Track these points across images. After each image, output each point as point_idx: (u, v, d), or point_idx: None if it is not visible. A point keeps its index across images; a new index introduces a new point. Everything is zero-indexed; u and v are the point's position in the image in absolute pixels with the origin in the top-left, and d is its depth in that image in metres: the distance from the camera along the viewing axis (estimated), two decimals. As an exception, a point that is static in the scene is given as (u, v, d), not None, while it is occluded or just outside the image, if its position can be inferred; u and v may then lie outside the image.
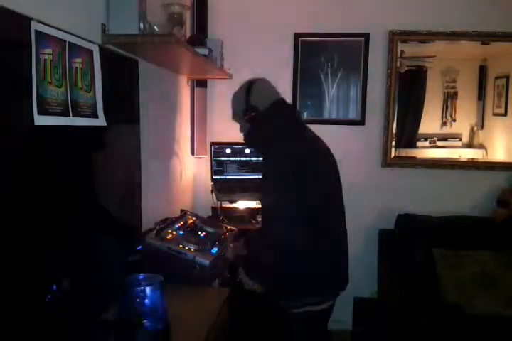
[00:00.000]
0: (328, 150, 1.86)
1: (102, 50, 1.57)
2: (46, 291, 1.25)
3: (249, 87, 1.82)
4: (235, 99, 1.86)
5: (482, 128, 3.02)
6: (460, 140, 3.05)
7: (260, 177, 1.75)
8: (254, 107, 1.78)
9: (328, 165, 1.84)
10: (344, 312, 2.76)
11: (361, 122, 3.03)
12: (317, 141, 1.84)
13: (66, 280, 1.32)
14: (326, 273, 1.73)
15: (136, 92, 1.98)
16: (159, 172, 2.43)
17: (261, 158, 1.90)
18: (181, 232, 1.91)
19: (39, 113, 1.21)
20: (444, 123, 3.04)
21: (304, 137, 1.81)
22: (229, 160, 3.01)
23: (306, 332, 1.77)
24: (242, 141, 1.90)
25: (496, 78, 2.97)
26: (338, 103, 3.05)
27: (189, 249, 1.77)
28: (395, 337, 2.30)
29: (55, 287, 1.27)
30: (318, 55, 3.01)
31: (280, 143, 1.73)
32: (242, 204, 2.85)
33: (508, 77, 2.94)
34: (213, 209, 2.87)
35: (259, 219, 2.74)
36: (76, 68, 1.41)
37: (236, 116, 1.88)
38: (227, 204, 2.85)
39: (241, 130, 1.88)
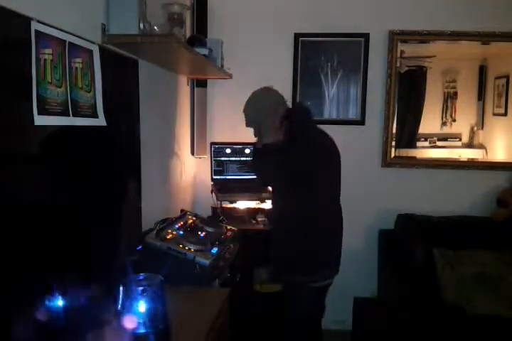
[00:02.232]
0: (333, 144, 2.12)
1: (102, 50, 1.57)
2: (46, 291, 1.25)
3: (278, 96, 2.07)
4: (269, 110, 2.03)
5: (482, 128, 3.02)
6: (460, 140, 3.04)
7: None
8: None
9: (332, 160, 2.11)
10: (344, 312, 2.77)
11: (361, 122, 3.03)
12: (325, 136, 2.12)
13: (66, 281, 1.32)
14: (336, 250, 2.07)
15: (136, 92, 1.98)
16: (159, 172, 2.43)
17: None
18: (181, 232, 1.91)
19: (39, 113, 1.21)
20: (444, 123, 3.04)
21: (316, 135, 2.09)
22: (229, 160, 3.01)
23: (316, 304, 2.07)
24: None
25: (496, 78, 2.97)
26: (338, 103, 3.05)
27: (189, 249, 1.77)
28: (395, 337, 2.30)
29: (54, 287, 1.27)
30: (318, 55, 3.01)
31: (305, 139, 2.01)
32: (242, 204, 2.85)
33: (508, 77, 2.94)
34: (213, 209, 2.87)
35: (259, 219, 2.75)
36: (76, 68, 1.41)
37: (265, 125, 2.06)
38: (227, 204, 2.85)
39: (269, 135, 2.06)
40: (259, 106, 2.05)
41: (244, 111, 2.08)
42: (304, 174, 1.94)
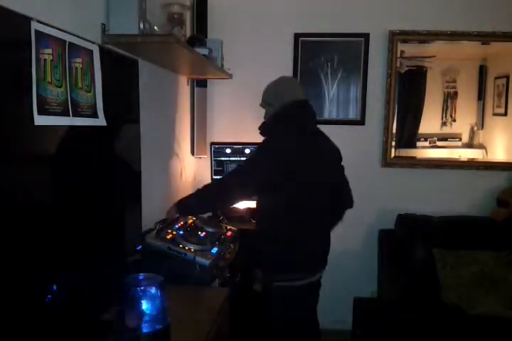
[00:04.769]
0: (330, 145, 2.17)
1: (102, 50, 1.57)
2: (46, 291, 1.25)
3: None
4: (299, 86, 2.12)
5: (482, 128, 3.02)
6: (460, 140, 3.04)
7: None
8: None
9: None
10: (344, 312, 2.77)
11: (361, 122, 3.03)
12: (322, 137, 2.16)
13: (66, 281, 1.32)
14: (310, 253, 2.00)
15: (136, 92, 1.98)
16: (159, 172, 2.43)
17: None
18: (181, 232, 1.91)
19: (39, 113, 1.21)
20: (444, 123, 3.04)
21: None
22: (229, 160, 3.01)
23: (303, 304, 2.02)
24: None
25: (496, 78, 2.97)
26: (338, 103, 3.05)
27: (189, 248, 1.77)
28: (395, 337, 2.30)
29: (55, 287, 1.27)
30: (318, 55, 3.01)
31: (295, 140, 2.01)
32: (242, 204, 2.85)
33: (508, 77, 2.94)
34: (213, 209, 2.87)
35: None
36: (76, 68, 1.41)
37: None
38: (227, 204, 2.85)
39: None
40: (279, 89, 2.07)
41: (266, 90, 2.11)
42: (288, 174, 1.91)
